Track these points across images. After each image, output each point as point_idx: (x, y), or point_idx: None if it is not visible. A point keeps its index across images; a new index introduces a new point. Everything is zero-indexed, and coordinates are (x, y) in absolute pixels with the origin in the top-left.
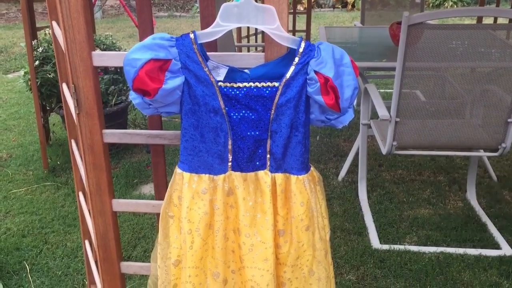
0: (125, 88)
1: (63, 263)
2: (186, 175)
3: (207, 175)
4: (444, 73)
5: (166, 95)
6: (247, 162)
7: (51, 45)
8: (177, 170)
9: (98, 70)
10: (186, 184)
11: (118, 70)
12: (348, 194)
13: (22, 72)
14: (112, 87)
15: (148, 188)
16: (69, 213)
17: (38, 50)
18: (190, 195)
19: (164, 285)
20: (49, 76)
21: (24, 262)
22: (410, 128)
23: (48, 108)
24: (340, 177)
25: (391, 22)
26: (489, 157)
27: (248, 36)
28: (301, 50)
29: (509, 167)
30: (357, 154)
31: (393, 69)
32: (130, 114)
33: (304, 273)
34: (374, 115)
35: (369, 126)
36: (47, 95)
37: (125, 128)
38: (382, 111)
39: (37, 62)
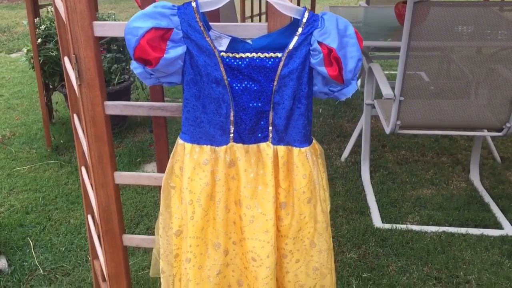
0: (128, 67)
1: (66, 239)
2: (188, 145)
3: (208, 146)
4: (449, 53)
5: (168, 64)
6: (249, 134)
7: (53, 23)
8: (179, 141)
9: (101, 49)
10: (187, 155)
11: (121, 49)
12: (351, 174)
13: (24, 50)
14: (115, 65)
15: (151, 167)
16: (72, 190)
17: (40, 28)
18: (192, 165)
19: (166, 255)
20: (52, 54)
21: (28, 238)
22: (414, 108)
23: (51, 86)
24: (343, 158)
25: (396, 1)
26: (493, 138)
27: (252, 17)
28: (304, 20)
29: None
30: (360, 135)
31: (398, 49)
32: (133, 94)
33: (306, 245)
34: (378, 96)
35: (373, 107)
36: (50, 74)
37: None
38: (386, 90)
39: (39, 40)
